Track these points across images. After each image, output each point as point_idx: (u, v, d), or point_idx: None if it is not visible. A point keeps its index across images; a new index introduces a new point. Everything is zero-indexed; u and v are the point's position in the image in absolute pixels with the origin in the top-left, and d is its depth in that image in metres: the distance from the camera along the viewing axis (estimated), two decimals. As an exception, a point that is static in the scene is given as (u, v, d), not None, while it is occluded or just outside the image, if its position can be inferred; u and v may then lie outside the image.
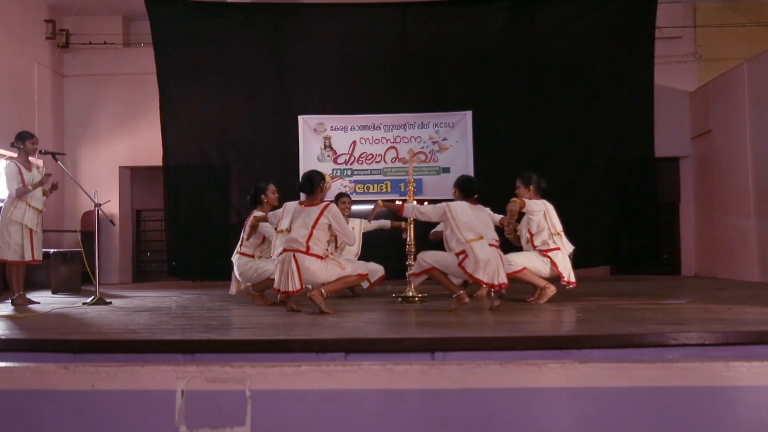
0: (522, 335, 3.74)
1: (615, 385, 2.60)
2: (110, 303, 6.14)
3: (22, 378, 2.70)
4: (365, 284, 6.50)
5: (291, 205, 5.31)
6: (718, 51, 9.94)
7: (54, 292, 7.76)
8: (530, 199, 5.70)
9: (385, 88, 9.30)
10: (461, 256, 4.99)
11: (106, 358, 3.55)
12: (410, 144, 9.02)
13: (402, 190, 8.70)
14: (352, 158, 9.10)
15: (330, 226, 5.04)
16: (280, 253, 5.06)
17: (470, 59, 9.15)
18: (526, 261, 5.61)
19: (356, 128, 9.17)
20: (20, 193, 6.10)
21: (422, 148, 9.08)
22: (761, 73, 8.16)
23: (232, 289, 6.20)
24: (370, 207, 7.45)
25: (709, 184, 9.51)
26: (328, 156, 9.10)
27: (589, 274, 9.50)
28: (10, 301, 6.23)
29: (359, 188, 9.01)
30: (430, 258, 5.23)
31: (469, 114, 9.02)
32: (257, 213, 5.97)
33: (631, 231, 9.16)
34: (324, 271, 5.00)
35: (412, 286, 5.96)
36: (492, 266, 4.95)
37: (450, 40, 9.27)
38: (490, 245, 5.03)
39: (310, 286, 5.21)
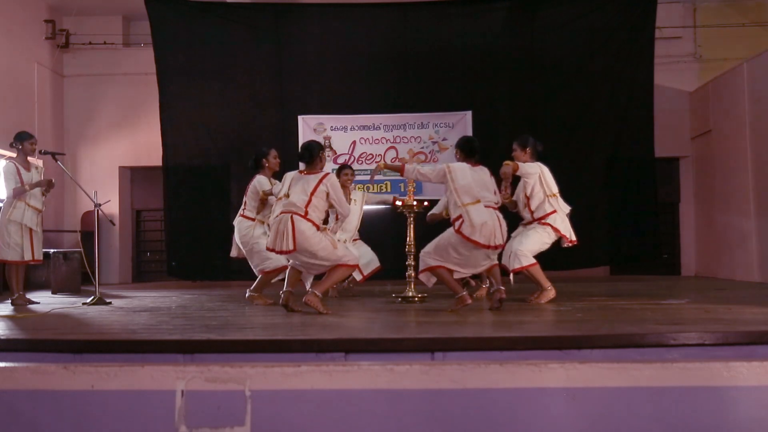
0: (522, 335, 3.74)
1: (615, 385, 2.60)
2: (110, 303, 6.14)
3: (22, 378, 2.70)
4: (358, 276, 6.47)
5: (290, 174, 5.27)
6: (718, 51, 9.93)
7: (54, 292, 7.77)
8: (526, 162, 5.69)
9: (385, 88, 9.29)
10: (458, 222, 4.96)
11: (106, 358, 3.55)
12: (410, 144, 9.02)
13: (402, 190, 8.69)
14: (352, 158, 9.10)
15: (328, 195, 5.02)
16: (277, 216, 5.05)
17: (470, 59, 9.15)
18: (536, 245, 5.55)
19: (356, 128, 9.17)
20: (17, 193, 6.11)
21: (422, 148, 9.08)
22: (761, 73, 8.16)
23: (233, 252, 6.21)
24: (372, 207, 7.49)
25: (709, 184, 9.51)
26: (328, 156, 9.09)
27: (589, 274, 9.50)
28: (10, 301, 6.23)
29: (359, 188, 8.99)
30: (433, 253, 5.12)
31: (469, 114, 9.02)
32: (261, 177, 5.99)
33: (631, 231, 9.15)
34: (317, 239, 4.93)
35: (412, 286, 5.97)
36: (488, 228, 4.89)
37: (450, 40, 9.26)
38: (487, 206, 4.98)
39: (307, 289, 5.15)
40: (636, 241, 9.22)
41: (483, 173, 5.19)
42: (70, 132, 10.49)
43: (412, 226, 6.05)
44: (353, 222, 6.57)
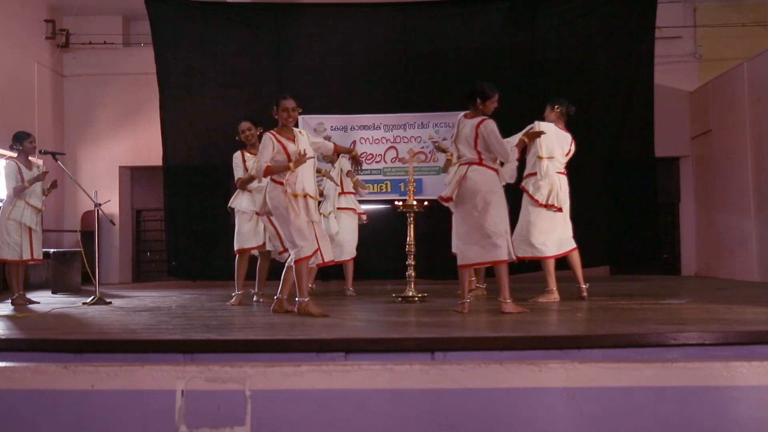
0: (522, 335, 3.74)
1: (615, 385, 2.61)
2: (110, 303, 6.14)
3: (22, 378, 2.70)
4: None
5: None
6: (718, 51, 9.93)
7: (54, 292, 7.77)
8: (553, 120, 5.78)
9: (385, 88, 9.29)
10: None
11: (106, 358, 3.55)
12: (410, 144, 9.01)
13: (402, 190, 8.69)
14: (352, 158, 9.10)
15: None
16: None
17: (470, 59, 9.12)
18: (563, 228, 5.62)
19: (356, 128, 9.16)
20: (18, 191, 6.11)
21: (422, 148, 9.08)
22: (761, 73, 8.16)
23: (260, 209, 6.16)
24: (373, 207, 7.49)
25: (709, 184, 9.51)
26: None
27: (589, 274, 9.45)
28: (10, 301, 6.24)
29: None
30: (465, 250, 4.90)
31: (468, 114, 9.00)
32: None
33: (631, 231, 9.15)
34: (282, 211, 4.78)
35: (412, 286, 5.97)
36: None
37: (450, 40, 9.26)
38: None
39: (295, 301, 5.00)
40: (636, 241, 9.22)
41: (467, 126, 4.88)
42: (70, 132, 10.49)
43: (412, 226, 6.05)
44: (332, 187, 6.72)
